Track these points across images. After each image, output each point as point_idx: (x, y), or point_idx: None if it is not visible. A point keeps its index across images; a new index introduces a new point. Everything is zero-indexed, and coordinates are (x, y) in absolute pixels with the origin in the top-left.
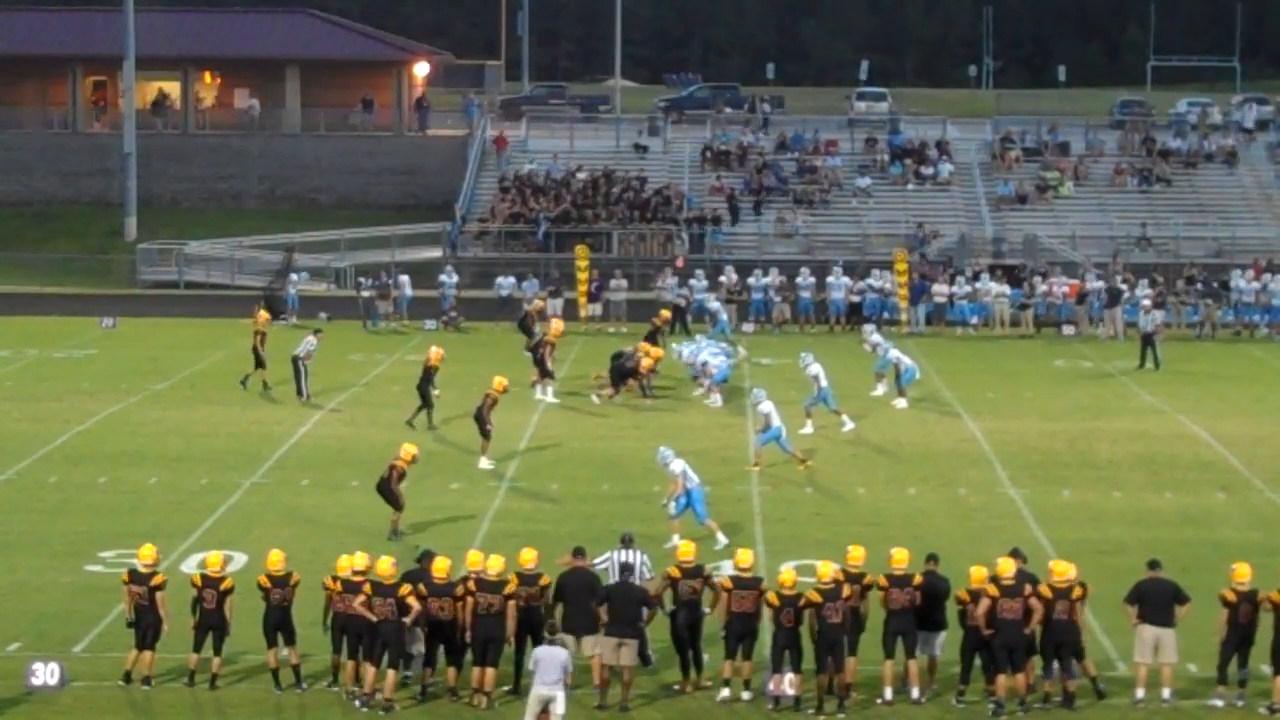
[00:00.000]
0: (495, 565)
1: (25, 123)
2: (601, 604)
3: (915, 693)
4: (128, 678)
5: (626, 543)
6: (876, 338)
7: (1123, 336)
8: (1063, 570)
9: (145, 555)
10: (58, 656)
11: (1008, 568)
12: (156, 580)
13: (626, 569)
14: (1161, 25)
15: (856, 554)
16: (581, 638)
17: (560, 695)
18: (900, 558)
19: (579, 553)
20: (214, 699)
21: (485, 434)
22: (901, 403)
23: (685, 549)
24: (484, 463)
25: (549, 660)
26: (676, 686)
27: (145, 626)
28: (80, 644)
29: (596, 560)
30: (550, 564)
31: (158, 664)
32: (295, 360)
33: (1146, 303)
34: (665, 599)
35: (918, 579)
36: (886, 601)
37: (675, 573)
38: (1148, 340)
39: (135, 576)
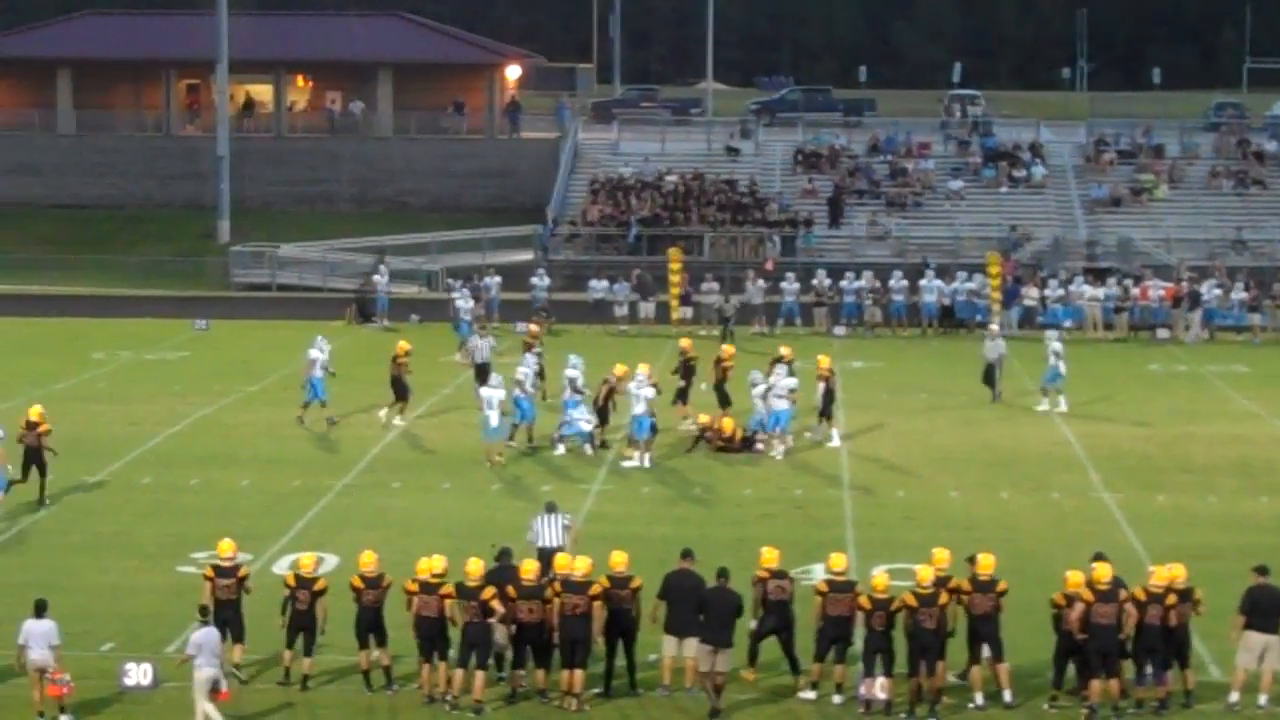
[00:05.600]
0: (582, 566)
1: (119, 126)
2: (699, 611)
3: (1008, 696)
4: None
5: (550, 509)
6: (1058, 345)
7: (1197, 338)
8: (1164, 576)
9: (225, 550)
10: (150, 657)
11: (1104, 573)
12: (242, 573)
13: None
14: (1257, 27)
15: (941, 557)
16: (684, 639)
17: (219, 674)
18: (986, 564)
19: (687, 555)
20: (305, 700)
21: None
22: (1061, 404)
23: (769, 555)
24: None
25: (209, 642)
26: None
27: (225, 620)
28: (172, 645)
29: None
30: (641, 567)
31: (259, 669)
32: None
33: (994, 327)
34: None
35: (1002, 585)
36: (970, 606)
37: (764, 575)
38: (990, 369)
39: (219, 571)
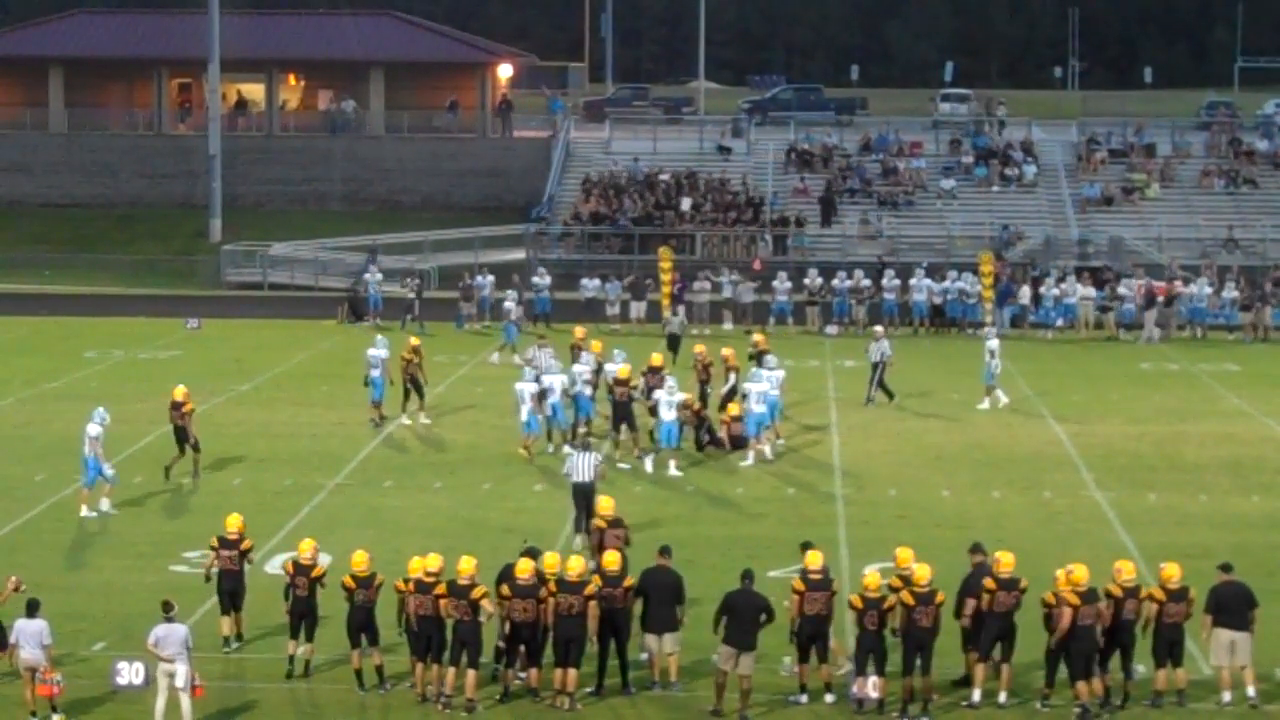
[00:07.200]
0: (576, 566)
1: (111, 125)
2: (722, 615)
3: (1003, 697)
4: (226, 641)
5: (584, 447)
6: (993, 344)
7: (1149, 339)
8: (1131, 571)
9: (231, 525)
10: (142, 656)
11: (1082, 574)
12: (245, 545)
13: (747, 576)
14: (1248, 26)
15: (905, 557)
16: (662, 635)
17: (182, 669)
18: (1008, 561)
19: (664, 551)
20: (298, 698)
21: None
22: (990, 400)
23: (605, 504)
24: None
25: (170, 636)
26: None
27: (229, 591)
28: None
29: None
30: (634, 566)
31: (251, 667)
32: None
33: (879, 329)
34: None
35: (1024, 582)
36: (993, 604)
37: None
38: (876, 370)
39: (224, 543)
